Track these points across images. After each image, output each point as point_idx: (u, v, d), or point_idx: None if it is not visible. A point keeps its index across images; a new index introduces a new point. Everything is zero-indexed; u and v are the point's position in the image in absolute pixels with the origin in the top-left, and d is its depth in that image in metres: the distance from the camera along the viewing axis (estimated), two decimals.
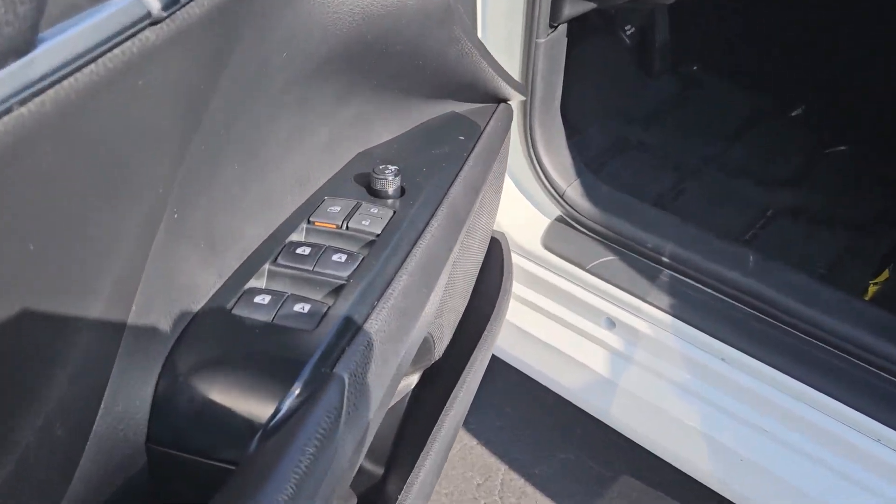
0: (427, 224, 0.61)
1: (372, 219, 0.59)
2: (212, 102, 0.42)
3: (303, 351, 0.48)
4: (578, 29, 1.46)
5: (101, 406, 0.43)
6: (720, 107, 1.91)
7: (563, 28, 1.28)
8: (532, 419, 1.61)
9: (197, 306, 0.50)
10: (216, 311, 0.50)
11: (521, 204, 1.37)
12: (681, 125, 1.84)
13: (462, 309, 0.95)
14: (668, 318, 1.20)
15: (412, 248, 0.58)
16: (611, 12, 1.67)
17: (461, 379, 0.86)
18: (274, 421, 0.45)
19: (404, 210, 0.62)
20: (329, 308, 0.51)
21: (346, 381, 0.48)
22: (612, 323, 1.27)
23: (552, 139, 1.35)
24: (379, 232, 0.59)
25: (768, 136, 1.81)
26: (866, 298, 1.37)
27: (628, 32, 1.67)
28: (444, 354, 0.94)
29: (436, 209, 0.63)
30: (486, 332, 0.92)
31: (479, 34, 1.17)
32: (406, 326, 0.56)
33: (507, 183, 1.36)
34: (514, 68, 1.24)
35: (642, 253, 1.27)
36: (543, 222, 1.36)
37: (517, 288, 1.37)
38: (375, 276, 0.55)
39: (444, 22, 0.61)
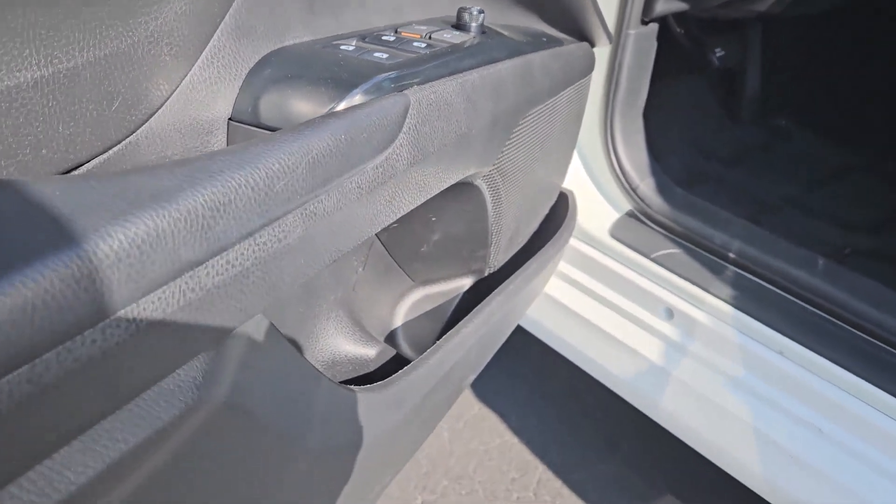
0: (502, 60, 0.66)
1: (453, 36, 0.64)
2: None
3: (374, 71, 0.52)
4: (668, 51, 1.52)
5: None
6: (807, 157, 1.90)
7: (653, 28, 1.33)
8: (577, 427, 1.58)
9: (288, 42, 0.55)
10: (304, 46, 0.56)
11: (592, 193, 1.40)
12: (763, 170, 1.85)
13: (521, 232, 0.97)
14: (729, 309, 1.18)
15: (486, 63, 0.63)
16: (702, 37, 1.72)
17: (512, 277, 0.87)
18: (333, 109, 0.49)
19: (483, 39, 0.67)
20: (405, 60, 0.56)
21: (412, 102, 0.52)
22: (670, 313, 1.25)
23: (631, 136, 1.38)
24: (458, 42, 0.63)
25: (855, 186, 1.79)
26: None
27: (718, 55, 1.71)
28: (497, 273, 0.96)
29: (512, 56, 0.68)
30: (542, 250, 0.94)
31: None
32: (472, 115, 0.60)
33: (580, 169, 1.40)
34: (602, 55, 1.30)
35: (708, 248, 1.27)
36: (613, 215, 1.38)
37: (577, 274, 1.37)
38: (450, 60, 0.59)
39: None
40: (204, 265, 0.35)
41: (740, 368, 1.16)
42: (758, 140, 1.96)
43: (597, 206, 1.39)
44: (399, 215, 0.55)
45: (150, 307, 0.32)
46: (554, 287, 1.40)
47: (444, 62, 0.58)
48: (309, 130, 0.43)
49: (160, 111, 0.45)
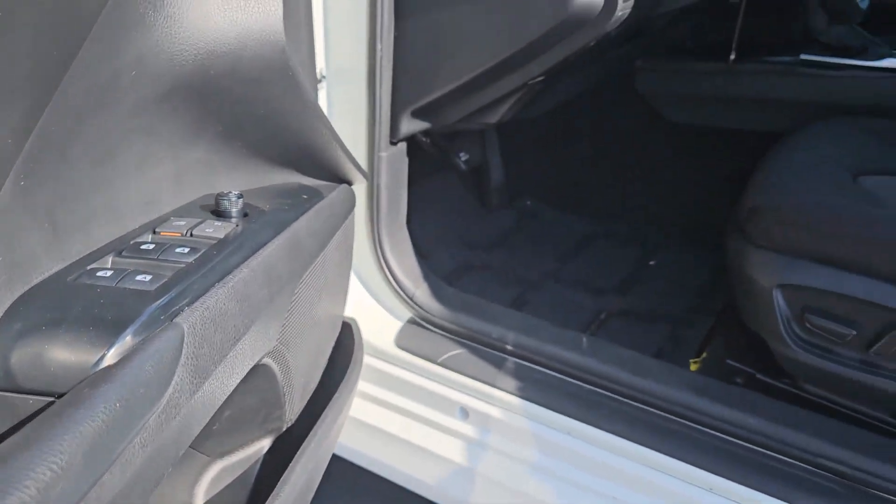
0: (269, 241, 0.67)
1: (215, 228, 0.64)
2: (65, 80, 0.47)
3: (141, 304, 0.50)
4: (420, 158, 1.62)
5: None
6: (554, 232, 2.12)
7: (402, 147, 1.42)
8: None
9: (36, 280, 0.51)
10: (55, 281, 0.52)
11: (374, 308, 1.44)
12: (520, 249, 2.02)
13: (313, 378, 0.97)
14: (517, 400, 1.26)
15: (254, 252, 0.63)
16: (446, 145, 1.86)
17: (311, 434, 0.87)
18: (103, 359, 0.46)
19: (247, 225, 0.67)
20: (171, 278, 0.54)
21: (186, 330, 0.51)
22: (465, 413, 1.31)
23: (398, 246, 1.45)
24: (222, 236, 0.63)
25: (599, 253, 2.02)
26: None
27: (463, 159, 1.86)
28: (295, 423, 0.95)
29: (278, 232, 0.69)
30: (336, 394, 0.94)
31: None
32: (248, 312, 0.59)
33: (359, 289, 1.43)
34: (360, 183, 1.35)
35: (489, 344, 1.35)
36: (396, 325, 1.43)
37: (372, 389, 1.39)
38: (217, 262, 0.58)
39: (283, 72, 0.70)
40: None
41: (536, 454, 1.25)
42: (509, 222, 2.14)
43: (380, 320, 1.43)
44: (195, 436, 0.53)
45: None
46: (352, 406, 1.40)
47: (212, 268, 0.58)
48: (78, 412, 0.40)
49: None
